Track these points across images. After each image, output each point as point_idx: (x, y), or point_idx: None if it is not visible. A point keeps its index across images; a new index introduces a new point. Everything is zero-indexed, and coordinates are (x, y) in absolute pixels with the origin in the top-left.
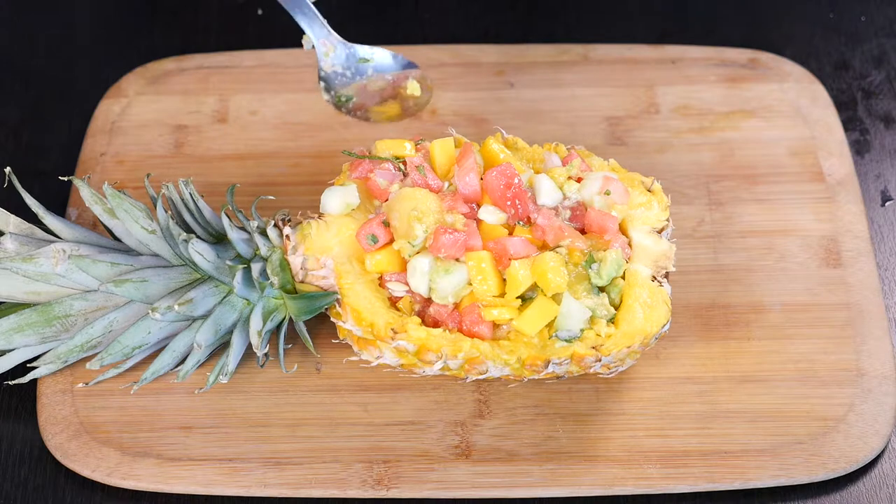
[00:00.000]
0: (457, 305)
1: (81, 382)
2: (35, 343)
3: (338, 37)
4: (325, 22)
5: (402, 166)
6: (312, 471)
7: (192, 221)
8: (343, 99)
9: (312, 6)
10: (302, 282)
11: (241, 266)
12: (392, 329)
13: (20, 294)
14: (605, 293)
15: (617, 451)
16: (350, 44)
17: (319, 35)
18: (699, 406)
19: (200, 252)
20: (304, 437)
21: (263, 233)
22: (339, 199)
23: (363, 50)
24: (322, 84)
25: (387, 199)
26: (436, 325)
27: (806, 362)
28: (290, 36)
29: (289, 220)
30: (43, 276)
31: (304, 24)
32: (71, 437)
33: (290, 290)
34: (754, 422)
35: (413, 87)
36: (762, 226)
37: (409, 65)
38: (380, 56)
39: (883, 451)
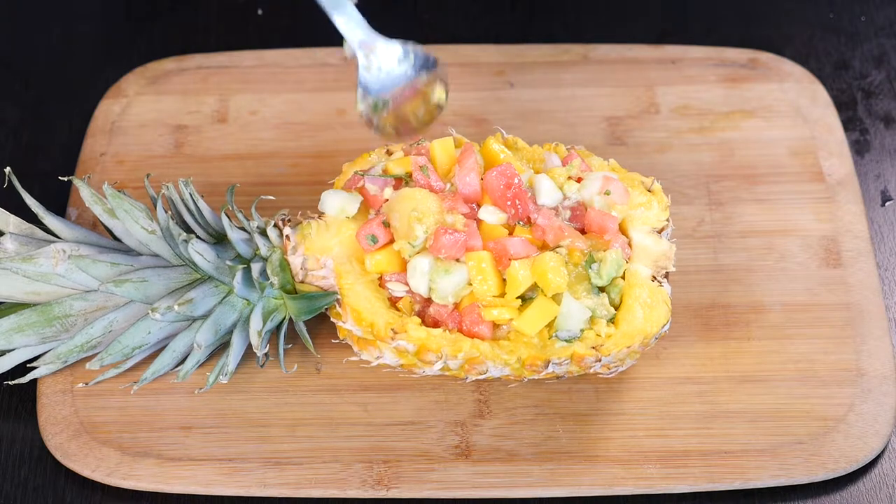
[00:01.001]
0: (457, 305)
1: (81, 382)
2: (35, 343)
3: (377, 35)
4: (364, 21)
5: (407, 179)
6: (312, 471)
7: (192, 221)
8: (380, 105)
9: (353, 6)
10: (302, 282)
11: (241, 266)
12: (392, 329)
13: (20, 294)
14: (605, 293)
15: (617, 451)
16: (390, 39)
17: (361, 37)
18: (699, 406)
19: (200, 252)
20: (304, 437)
21: (263, 233)
22: (338, 202)
23: (400, 46)
24: (360, 91)
25: (380, 207)
26: (436, 325)
27: (806, 362)
28: (290, 36)
29: (289, 220)
30: (43, 277)
31: (343, 28)
32: (71, 437)
33: (290, 290)
34: (754, 422)
35: (440, 95)
36: (762, 226)
37: (430, 62)
38: (412, 50)
39: (883, 451)
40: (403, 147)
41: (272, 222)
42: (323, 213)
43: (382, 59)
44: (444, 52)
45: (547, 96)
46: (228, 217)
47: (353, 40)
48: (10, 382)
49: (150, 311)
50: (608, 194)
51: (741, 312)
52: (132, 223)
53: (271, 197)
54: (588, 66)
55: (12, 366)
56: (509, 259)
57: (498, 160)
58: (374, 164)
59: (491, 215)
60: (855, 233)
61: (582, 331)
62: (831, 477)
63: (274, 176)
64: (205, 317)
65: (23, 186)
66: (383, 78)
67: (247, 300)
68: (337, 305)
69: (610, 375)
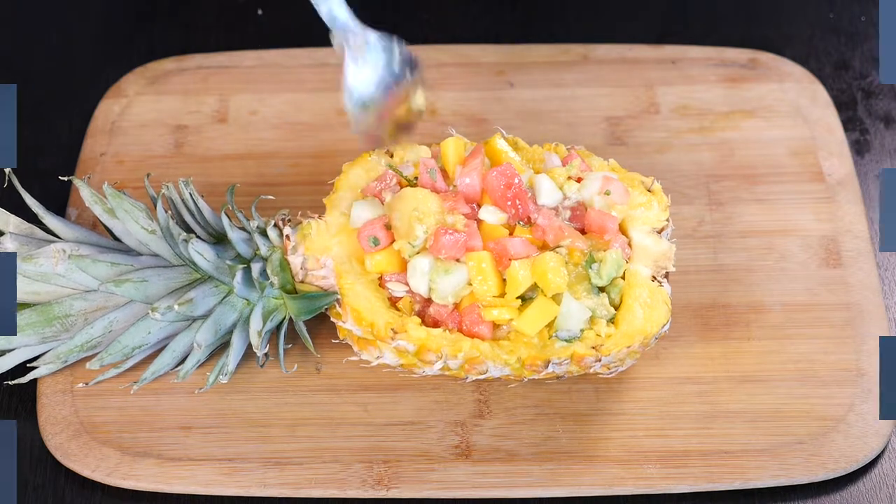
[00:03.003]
0: (457, 305)
1: (81, 382)
2: (35, 343)
3: (363, 26)
4: (349, 11)
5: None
6: (312, 471)
7: (192, 221)
8: (367, 103)
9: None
10: (302, 282)
11: (241, 266)
12: (392, 329)
13: (20, 294)
14: (605, 293)
15: (617, 451)
16: (381, 34)
17: (348, 29)
18: (699, 406)
19: (200, 252)
20: (304, 437)
21: (263, 233)
22: (369, 213)
23: (386, 39)
24: (346, 86)
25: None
26: (436, 325)
27: (806, 362)
28: (290, 36)
29: (289, 220)
30: (43, 276)
31: (326, 16)
32: (71, 437)
33: (290, 290)
34: (754, 422)
35: (420, 101)
36: (762, 226)
37: (414, 62)
38: (398, 45)
39: (883, 451)
40: (410, 157)
41: (272, 222)
42: (322, 214)
43: (369, 51)
44: (444, 53)
45: (547, 96)
46: (228, 217)
47: (338, 28)
48: (10, 382)
49: (150, 311)
50: (608, 194)
51: (741, 312)
52: (132, 223)
53: (271, 197)
54: (588, 66)
55: (12, 366)
56: (509, 259)
57: (503, 159)
58: (377, 165)
59: (491, 215)
60: (855, 233)
61: (582, 331)
62: (831, 477)
63: (274, 176)
64: (205, 317)
65: (23, 186)
66: (369, 72)
67: (247, 300)
68: (337, 305)
69: (610, 375)
